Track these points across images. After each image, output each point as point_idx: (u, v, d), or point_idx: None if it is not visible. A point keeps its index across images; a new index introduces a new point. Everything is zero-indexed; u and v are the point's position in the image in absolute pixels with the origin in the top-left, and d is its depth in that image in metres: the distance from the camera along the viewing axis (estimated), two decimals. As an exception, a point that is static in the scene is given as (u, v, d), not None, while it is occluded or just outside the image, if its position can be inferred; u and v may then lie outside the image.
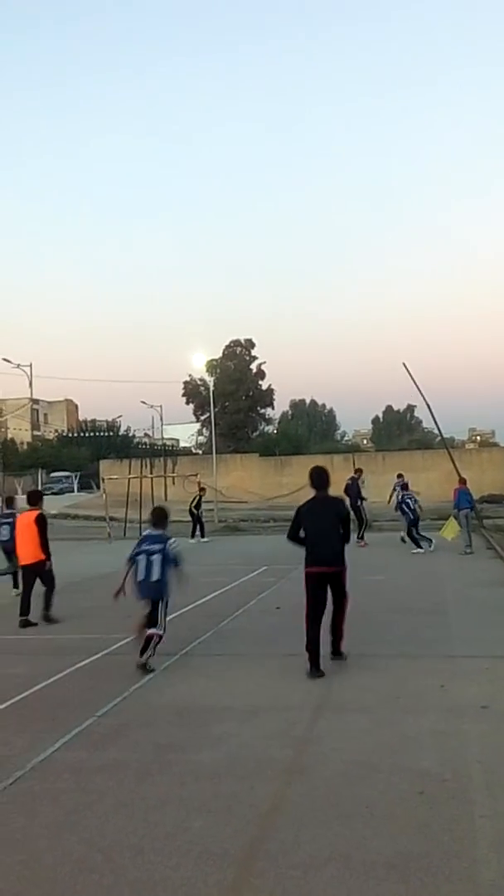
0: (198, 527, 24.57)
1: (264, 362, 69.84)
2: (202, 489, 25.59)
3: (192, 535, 24.27)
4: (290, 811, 4.63)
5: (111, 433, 70.71)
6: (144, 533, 9.03)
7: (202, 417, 67.79)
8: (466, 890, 3.69)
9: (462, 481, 20.09)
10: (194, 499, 25.00)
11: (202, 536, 24.41)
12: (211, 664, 8.42)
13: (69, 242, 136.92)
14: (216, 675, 7.95)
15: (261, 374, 69.41)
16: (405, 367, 24.57)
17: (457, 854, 4.02)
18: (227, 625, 10.55)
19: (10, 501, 17.23)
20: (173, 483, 38.21)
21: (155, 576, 8.35)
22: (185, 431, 74.96)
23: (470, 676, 7.45)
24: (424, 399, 24.50)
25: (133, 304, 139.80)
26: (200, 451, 67.03)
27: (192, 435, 74.21)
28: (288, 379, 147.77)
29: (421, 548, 18.81)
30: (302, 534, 8.36)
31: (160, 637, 8.28)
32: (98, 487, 47.74)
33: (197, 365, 60.07)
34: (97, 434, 69.69)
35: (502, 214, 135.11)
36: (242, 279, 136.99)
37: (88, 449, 63.31)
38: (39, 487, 38.97)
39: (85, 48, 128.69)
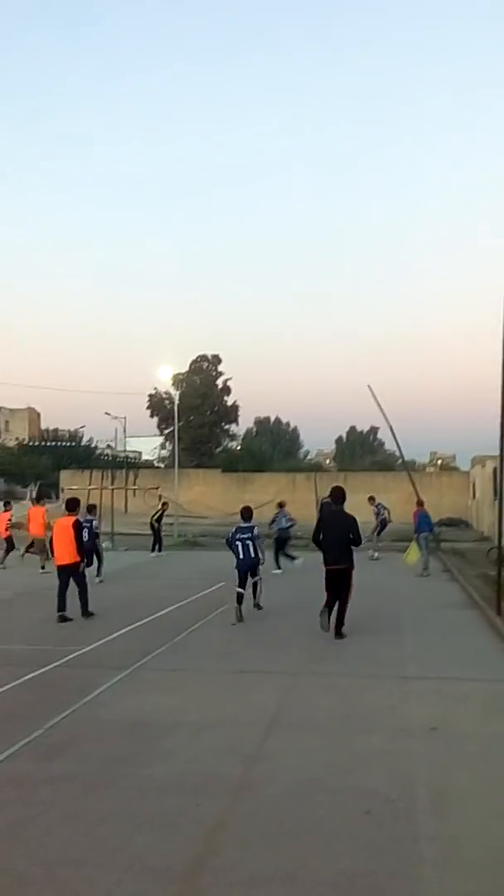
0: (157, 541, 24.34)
1: (230, 378, 70.02)
2: (165, 504, 25.36)
3: (153, 549, 24.09)
4: (236, 828, 4.60)
5: (73, 443, 70.12)
6: (237, 526, 12.81)
7: (166, 431, 67.59)
8: (408, 910, 3.70)
9: (420, 503, 20.25)
10: (156, 513, 24.79)
11: (159, 550, 24.21)
12: (164, 679, 8.35)
13: (31, 251, 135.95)
14: (168, 689, 7.89)
15: (226, 390, 69.52)
16: (370, 389, 24.80)
17: (401, 874, 4.02)
18: (181, 639, 10.48)
19: None
20: (134, 495, 38.05)
21: (251, 554, 12.46)
22: (149, 444, 74.57)
23: (421, 697, 7.49)
24: (387, 422, 24.73)
25: (99, 314, 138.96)
26: (163, 465, 66.75)
27: (156, 448, 73.87)
28: (253, 396, 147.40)
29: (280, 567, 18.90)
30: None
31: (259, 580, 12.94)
32: (58, 497, 47.25)
33: (163, 378, 59.97)
34: (59, 444, 69.04)
35: (469, 241, 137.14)
36: (211, 295, 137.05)
37: (49, 458, 62.66)
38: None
39: (82, 48, 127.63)
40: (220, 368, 70.01)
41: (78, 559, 12.37)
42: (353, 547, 10.69)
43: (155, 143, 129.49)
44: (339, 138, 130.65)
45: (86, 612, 12.20)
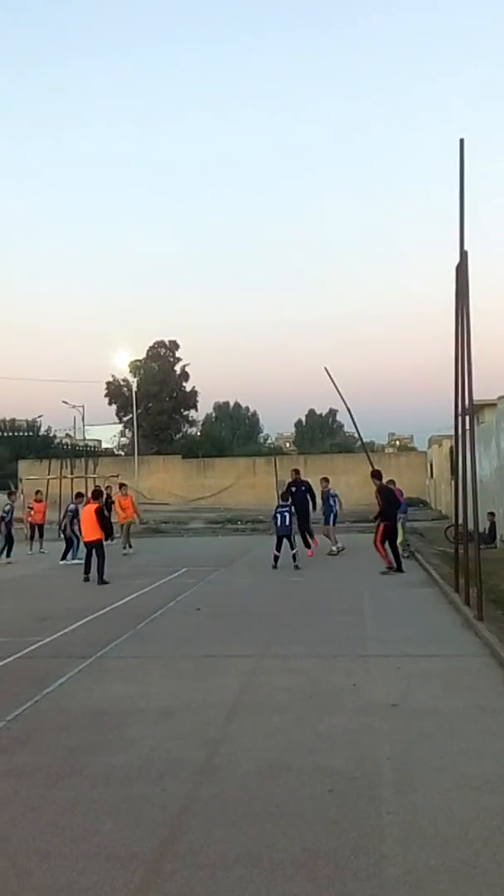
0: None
1: (188, 364, 69.76)
2: (107, 487, 24.78)
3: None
4: (200, 812, 4.61)
5: (31, 433, 69.33)
6: (279, 503, 17.38)
7: (125, 418, 67.18)
8: (372, 886, 3.74)
9: (391, 483, 20.07)
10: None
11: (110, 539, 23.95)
12: (127, 667, 8.33)
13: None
14: (132, 677, 7.87)
15: (185, 376, 69.26)
16: (327, 371, 24.84)
17: (364, 850, 4.07)
18: (144, 627, 10.47)
19: None
20: (94, 484, 37.73)
21: (287, 523, 16.68)
22: (108, 432, 74.08)
23: (382, 675, 7.58)
24: (345, 403, 24.78)
25: (55, 301, 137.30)
26: (123, 453, 66.37)
27: (115, 436, 73.41)
28: (212, 381, 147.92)
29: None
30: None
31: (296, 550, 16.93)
32: (16, 488, 46.72)
33: (120, 365, 59.61)
34: (16, 434, 68.21)
35: (423, 222, 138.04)
36: (168, 280, 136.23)
37: (7, 449, 61.92)
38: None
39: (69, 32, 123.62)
40: (177, 354, 69.75)
41: (100, 536, 15.70)
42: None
43: (108, 128, 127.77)
44: (291, 123, 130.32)
45: (102, 581, 15.18)
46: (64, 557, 19.34)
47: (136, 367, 63.90)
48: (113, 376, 66.45)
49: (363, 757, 5.41)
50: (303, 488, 19.53)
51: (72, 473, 38.46)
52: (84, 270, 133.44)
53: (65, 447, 62.51)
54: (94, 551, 15.56)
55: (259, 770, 5.22)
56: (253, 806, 4.65)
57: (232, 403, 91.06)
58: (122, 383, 64.87)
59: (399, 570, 15.56)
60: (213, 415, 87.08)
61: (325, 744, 5.70)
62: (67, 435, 68.81)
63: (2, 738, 6.03)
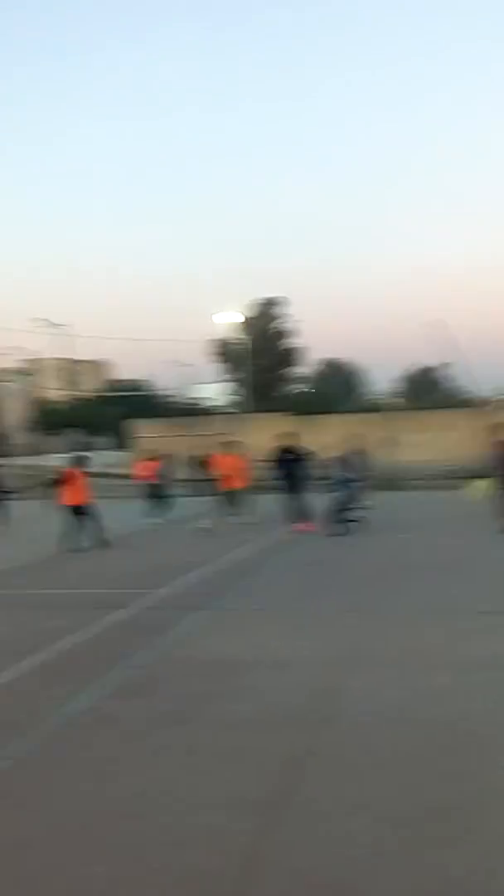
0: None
1: (297, 320, 69.38)
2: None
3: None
4: (317, 762, 4.73)
5: (142, 392, 70.87)
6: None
7: (233, 377, 67.65)
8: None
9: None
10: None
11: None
12: (240, 620, 8.51)
13: (91, 198, 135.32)
14: (246, 630, 8.03)
15: (293, 332, 69.01)
16: (440, 324, 24.30)
17: (480, 804, 4.09)
18: (255, 581, 10.65)
19: None
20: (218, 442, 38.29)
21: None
22: (215, 390, 74.94)
23: (495, 631, 7.46)
24: (461, 359, 24.29)
25: (158, 260, 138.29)
26: (235, 411, 67.00)
27: (223, 394, 74.12)
28: (320, 336, 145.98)
29: None
30: None
31: None
32: (129, 447, 47.93)
33: (229, 323, 59.95)
34: (127, 394, 69.89)
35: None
36: (274, 236, 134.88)
37: (120, 409, 63.51)
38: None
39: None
40: (286, 310, 69.43)
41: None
42: None
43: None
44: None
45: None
46: None
47: (244, 325, 64.05)
48: (220, 335, 66.94)
49: (479, 711, 5.37)
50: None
51: (185, 432, 39.15)
52: (189, 228, 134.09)
53: (177, 406, 63.60)
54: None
55: (375, 722, 5.26)
56: (369, 757, 4.71)
57: (340, 358, 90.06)
58: (230, 341, 65.22)
59: None
60: (321, 370, 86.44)
61: (440, 697, 5.70)
62: (177, 394, 70.01)
63: (129, 685, 6.34)
